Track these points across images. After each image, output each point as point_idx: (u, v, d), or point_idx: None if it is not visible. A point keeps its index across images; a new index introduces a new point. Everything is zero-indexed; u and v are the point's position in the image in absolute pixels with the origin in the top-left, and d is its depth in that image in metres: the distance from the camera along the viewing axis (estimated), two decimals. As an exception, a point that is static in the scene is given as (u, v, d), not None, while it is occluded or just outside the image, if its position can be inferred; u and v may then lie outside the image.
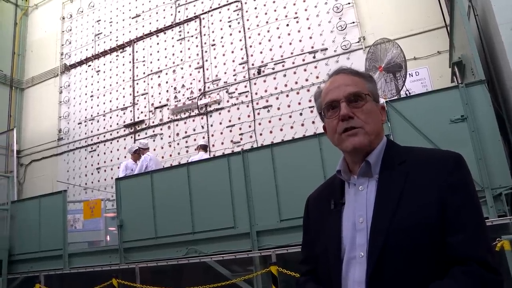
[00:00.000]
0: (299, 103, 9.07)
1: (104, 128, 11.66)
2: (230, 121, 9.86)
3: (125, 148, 10.77)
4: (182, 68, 10.84)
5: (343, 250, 1.22)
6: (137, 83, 11.42)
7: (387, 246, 1.11)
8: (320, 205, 1.39)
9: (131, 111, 11.30)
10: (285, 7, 9.84)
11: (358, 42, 8.87)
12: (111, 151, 11.35)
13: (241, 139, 9.61)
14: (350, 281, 1.17)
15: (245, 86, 9.89)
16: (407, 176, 1.19)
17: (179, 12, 11.27)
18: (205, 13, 10.86)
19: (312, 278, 1.36)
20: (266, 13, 10.04)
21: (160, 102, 10.94)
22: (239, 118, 9.77)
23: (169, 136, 10.57)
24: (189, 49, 10.87)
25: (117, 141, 11.32)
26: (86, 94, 12.32)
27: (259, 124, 9.51)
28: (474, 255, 1.06)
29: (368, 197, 1.22)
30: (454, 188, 1.13)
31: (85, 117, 12.10)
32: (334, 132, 1.29)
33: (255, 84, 9.79)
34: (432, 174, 1.16)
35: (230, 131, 9.80)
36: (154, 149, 10.41)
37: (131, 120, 11.22)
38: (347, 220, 1.24)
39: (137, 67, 11.55)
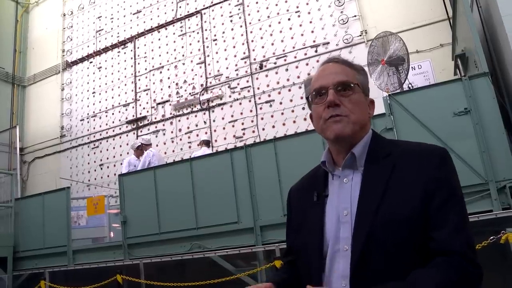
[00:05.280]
0: (301, 97, 9.03)
1: (107, 124, 11.66)
2: (232, 116, 9.85)
3: (127, 144, 10.78)
4: (183, 64, 10.82)
5: (327, 243, 1.21)
6: (139, 79, 11.42)
7: (371, 239, 1.11)
8: (303, 197, 1.38)
9: (133, 107, 11.30)
10: (286, 1, 9.79)
11: (360, 35, 8.83)
12: (113, 148, 11.36)
13: (243, 134, 9.60)
14: (334, 275, 1.17)
15: (247, 81, 9.87)
16: (392, 169, 1.18)
17: (180, 7, 11.23)
18: (206, 8, 10.81)
19: (289, 267, 1.40)
20: (267, 8, 10.00)
21: (162, 98, 10.93)
22: (241, 113, 9.75)
23: (172, 132, 10.57)
24: (190, 44, 10.84)
25: (120, 137, 11.33)
26: (88, 90, 12.31)
27: (262, 118, 9.49)
28: (455, 249, 1.07)
29: (353, 189, 1.22)
30: (438, 183, 1.13)
31: (88, 114, 12.11)
32: (319, 119, 1.29)
33: (257, 79, 9.77)
34: (418, 168, 1.16)
35: (233, 126, 9.79)
36: (157, 145, 10.40)
37: (133, 116, 11.22)
38: (331, 212, 1.24)
39: (138, 63, 11.53)
